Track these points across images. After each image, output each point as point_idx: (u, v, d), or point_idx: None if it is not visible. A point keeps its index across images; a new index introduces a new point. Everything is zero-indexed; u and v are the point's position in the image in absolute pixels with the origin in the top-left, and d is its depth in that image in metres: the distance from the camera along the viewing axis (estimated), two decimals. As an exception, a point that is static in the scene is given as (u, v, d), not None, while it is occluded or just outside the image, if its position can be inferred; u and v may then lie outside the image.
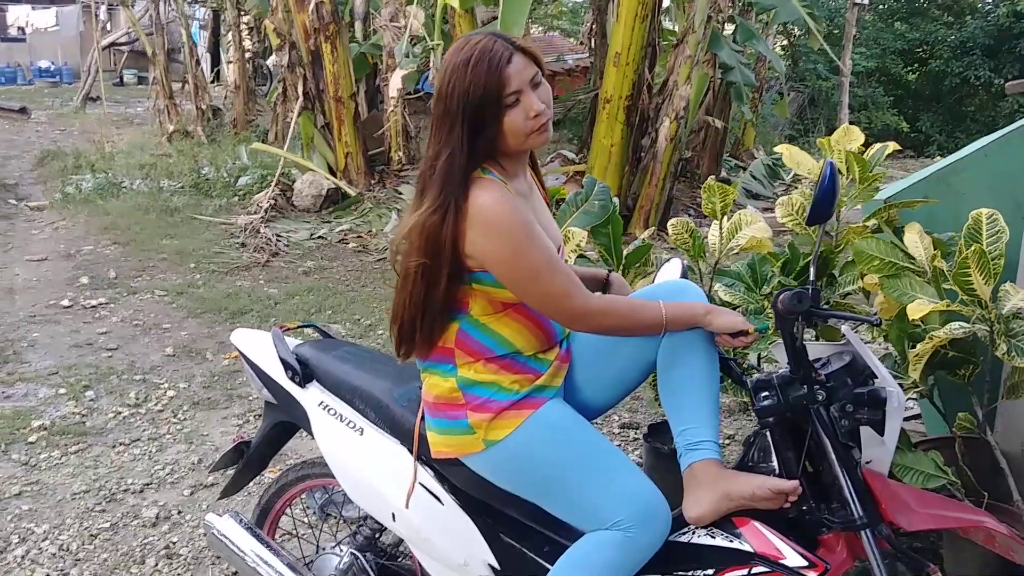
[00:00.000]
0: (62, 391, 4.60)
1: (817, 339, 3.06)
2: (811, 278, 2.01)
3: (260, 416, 2.65)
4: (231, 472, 2.68)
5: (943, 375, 2.99)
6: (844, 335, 2.10)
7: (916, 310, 2.68)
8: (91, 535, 3.33)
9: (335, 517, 2.51)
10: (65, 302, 6.05)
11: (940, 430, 3.38)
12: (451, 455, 2.07)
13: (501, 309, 2.00)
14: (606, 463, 2.00)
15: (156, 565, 3.17)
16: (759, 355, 3.06)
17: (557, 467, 2.00)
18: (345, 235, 8.12)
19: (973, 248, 2.62)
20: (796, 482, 1.93)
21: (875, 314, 2.78)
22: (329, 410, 2.35)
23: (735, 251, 3.18)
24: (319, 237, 8.07)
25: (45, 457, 3.91)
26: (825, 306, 2.01)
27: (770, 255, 3.07)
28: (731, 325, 2.00)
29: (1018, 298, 2.70)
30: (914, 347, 2.77)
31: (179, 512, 3.51)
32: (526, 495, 2.06)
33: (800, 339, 1.99)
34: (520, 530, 2.13)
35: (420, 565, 2.29)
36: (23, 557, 3.19)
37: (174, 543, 3.30)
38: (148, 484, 3.71)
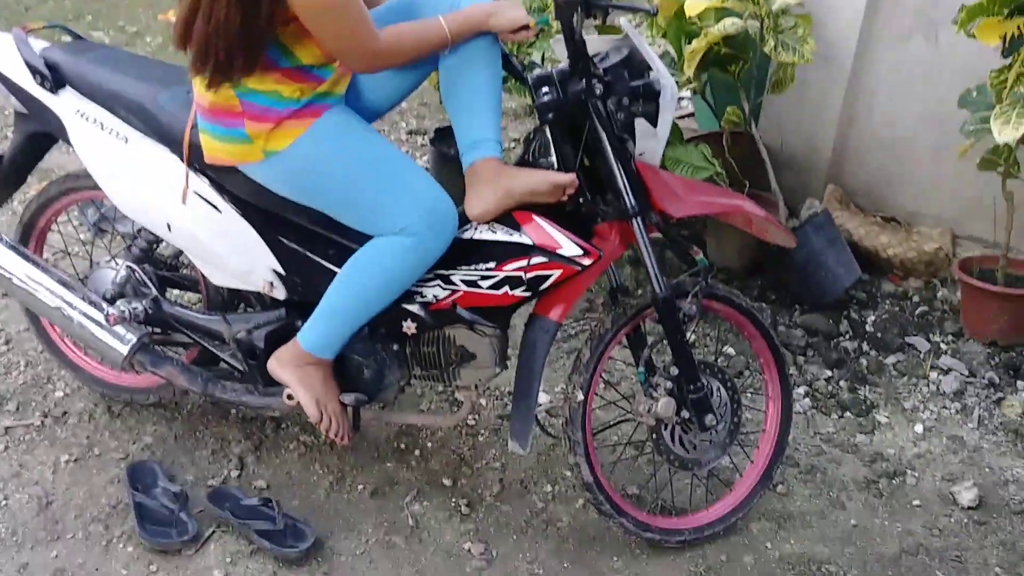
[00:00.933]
0: None
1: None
2: (590, -32, 1.96)
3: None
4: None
5: (715, 72, 3.10)
6: (623, 29, 2.09)
7: (693, 6, 2.72)
8: None
9: (109, 232, 2.40)
10: None
11: (711, 126, 3.55)
12: (227, 162, 1.98)
13: (292, 19, 1.85)
14: (393, 169, 1.97)
15: (-85, 294, 2.97)
16: (543, 55, 3.04)
17: (342, 175, 1.95)
18: (99, -70, 7.23)
19: (750, -59, 2.63)
20: (573, 175, 1.98)
21: (653, 6, 2.79)
22: (87, 118, 2.17)
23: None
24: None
25: None
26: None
27: (555, -51, 2.97)
28: (513, 22, 1.95)
29: (788, -7, 2.77)
30: (690, 44, 2.83)
31: (-65, 236, 3.26)
32: (310, 203, 2.02)
33: (579, 32, 1.96)
34: (303, 235, 2.10)
35: (203, 275, 2.25)
36: None
37: (-67, 268, 3.09)
38: None
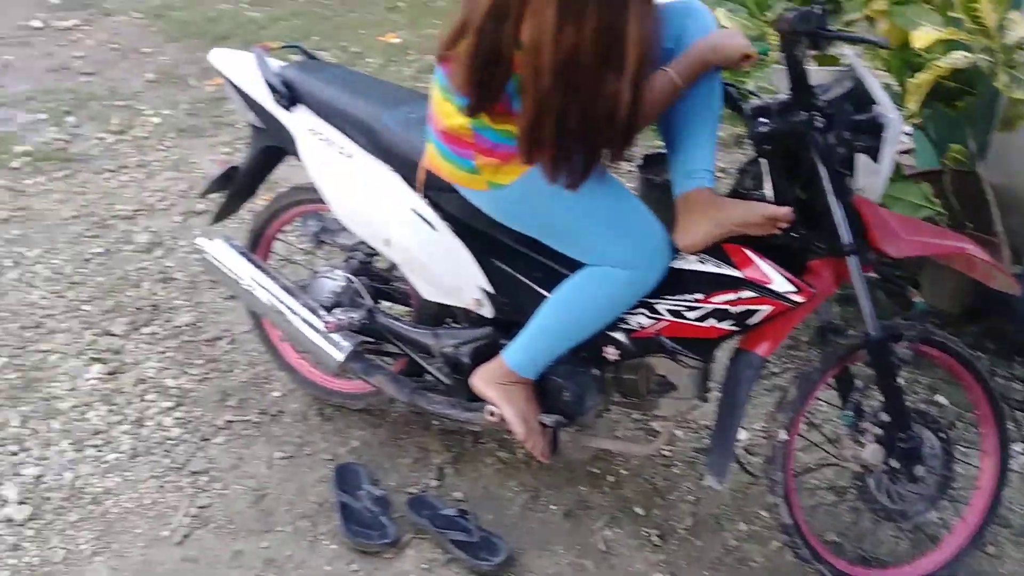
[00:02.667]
0: (42, 116, 4.49)
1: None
2: (819, -1, 1.92)
3: (249, 143, 2.60)
4: (222, 199, 2.68)
5: (940, 106, 2.95)
6: (848, 61, 2.03)
7: (920, 38, 2.60)
8: (84, 259, 3.37)
9: (329, 243, 2.53)
10: (36, 23, 5.79)
11: (931, 163, 3.38)
12: (448, 180, 2.04)
13: None
14: (615, 205, 1.99)
15: (152, 289, 3.23)
16: (758, 85, 2.99)
17: (564, 211, 1.97)
18: (326, -45, 7.67)
19: (987, -28, 2.50)
20: (789, 208, 1.94)
21: (885, 39, 2.69)
22: (317, 134, 2.31)
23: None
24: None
25: (31, 183, 3.88)
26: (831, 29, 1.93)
27: (775, -22, 2.93)
28: (736, 51, 1.92)
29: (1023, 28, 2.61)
30: (915, 77, 2.71)
31: (172, 238, 3.53)
32: (527, 232, 2.06)
33: (802, 63, 1.92)
34: (514, 257, 2.14)
35: (415, 289, 2.33)
36: (18, 280, 3.23)
37: (169, 267, 3.35)
38: (139, 210, 3.71)
